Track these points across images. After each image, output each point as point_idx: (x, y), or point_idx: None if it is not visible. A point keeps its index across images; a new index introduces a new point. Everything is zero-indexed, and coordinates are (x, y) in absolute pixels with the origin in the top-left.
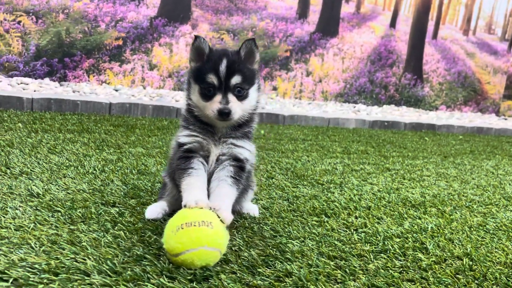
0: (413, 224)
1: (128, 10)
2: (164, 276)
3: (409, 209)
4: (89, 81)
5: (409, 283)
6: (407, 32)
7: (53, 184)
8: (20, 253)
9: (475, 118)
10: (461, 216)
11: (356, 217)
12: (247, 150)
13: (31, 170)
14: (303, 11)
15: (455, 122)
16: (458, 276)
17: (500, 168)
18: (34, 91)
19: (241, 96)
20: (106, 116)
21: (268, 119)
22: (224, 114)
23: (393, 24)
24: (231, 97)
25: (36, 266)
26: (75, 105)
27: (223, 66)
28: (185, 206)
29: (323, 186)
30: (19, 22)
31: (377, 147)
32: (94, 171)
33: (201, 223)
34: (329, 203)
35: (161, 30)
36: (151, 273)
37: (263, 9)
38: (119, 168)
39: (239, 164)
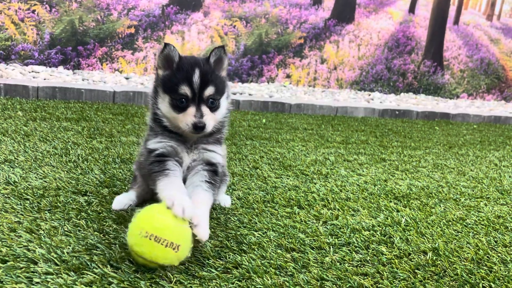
0: (388, 217)
1: None
2: (109, 266)
3: (390, 201)
4: (102, 69)
5: (361, 277)
6: (427, 17)
7: (32, 172)
8: None
9: (497, 106)
10: (443, 209)
11: (329, 209)
12: (219, 154)
13: (15, 158)
14: None
15: (472, 111)
16: (416, 271)
17: (505, 159)
18: (44, 79)
19: (214, 107)
20: (109, 105)
21: (274, 108)
22: (199, 128)
23: (412, 9)
24: (205, 109)
25: None
26: (79, 93)
27: (196, 77)
28: (168, 208)
29: (307, 177)
30: (33, 11)
31: (380, 137)
32: (77, 160)
33: (170, 244)
34: (307, 194)
35: (173, 18)
36: (97, 262)
37: None
38: (103, 157)
39: (212, 169)
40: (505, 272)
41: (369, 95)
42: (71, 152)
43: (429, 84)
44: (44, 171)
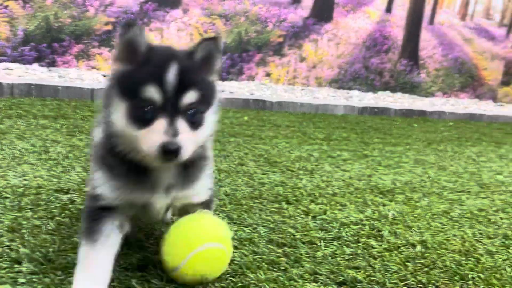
0: (375, 211)
1: None
2: None
3: (376, 195)
4: (78, 66)
5: (353, 270)
6: (403, 17)
7: (10, 171)
8: None
9: (471, 104)
10: (428, 203)
11: (317, 204)
12: (208, 189)
13: None
14: None
15: (448, 109)
16: (407, 263)
17: (482, 155)
18: (19, 76)
19: (196, 122)
20: (87, 102)
21: (255, 106)
22: (171, 152)
23: (389, 9)
24: (182, 124)
25: None
26: (56, 90)
27: (171, 74)
28: None
29: (293, 173)
30: (6, 7)
31: (361, 133)
32: (57, 157)
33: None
34: (294, 190)
35: (151, 15)
36: None
37: None
38: (84, 154)
39: (204, 205)
40: (492, 263)
41: (348, 93)
42: (50, 149)
43: (405, 82)
44: (23, 169)
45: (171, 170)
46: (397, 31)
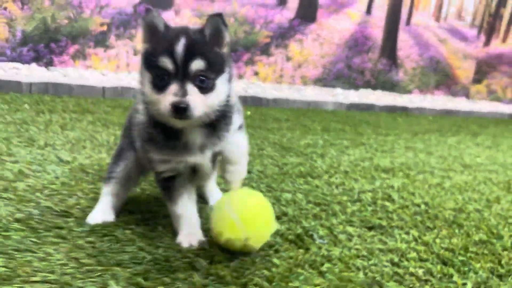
0: (383, 183)
1: None
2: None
3: (380, 173)
4: (75, 66)
5: (378, 220)
6: (382, 18)
7: (77, 154)
8: (73, 200)
9: (446, 101)
10: (423, 178)
11: (336, 178)
12: (240, 145)
13: (53, 142)
14: None
15: (427, 105)
16: (416, 216)
17: (462, 143)
18: (25, 75)
19: (205, 87)
20: (100, 99)
21: (252, 102)
22: (180, 109)
23: (369, 10)
24: (191, 88)
25: (87, 210)
26: (70, 88)
27: (180, 46)
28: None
29: (307, 156)
30: (5, 8)
31: (354, 126)
32: (107, 143)
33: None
34: (313, 168)
35: None
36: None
37: None
38: None
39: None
40: (479, 216)
41: (332, 91)
42: (98, 137)
43: (385, 81)
44: (87, 152)
45: (199, 131)
46: (377, 32)
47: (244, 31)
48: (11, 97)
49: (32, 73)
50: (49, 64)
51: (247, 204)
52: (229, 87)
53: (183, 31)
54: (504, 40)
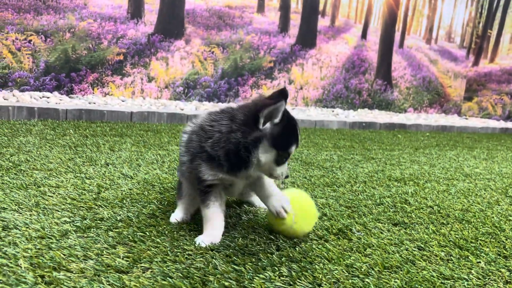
0: (398, 190)
1: (128, 28)
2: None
3: (393, 182)
4: (93, 93)
5: (401, 218)
6: (376, 42)
7: (136, 171)
8: (152, 206)
9: (439, 118)
10: (431, 186)
11: (357, 187)
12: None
13: (113, 161)
14: (284, 26)
15: (423, 122)
16: (431, 215)
17: (460, 156)
18: (56, 103)
19: None
20: (130, 123)
21: None
22: (286, 177)
23: (364, 35)
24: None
25: (168, 213)
26: (102, 114)
27: (299, 137)
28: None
29: (327, 169)
30: (29, 41)
31: (360, 142)
32: (156, 162)
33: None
34: (336, 179)
35: (157, 46)
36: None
37: (248, 24)
38: (173, 160)
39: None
40: (484, 215)
41: (333, 111)
42: (146, 156)
43: (381, 100)
44: (143, 169)
45: None
46: (372, 55)
47: (249, 57)
48: (52, 123)
49: (60, 101)
50: (70, 92)
51: (293, 196)
52: None
53: (296, 122)
54: (491, 60)
